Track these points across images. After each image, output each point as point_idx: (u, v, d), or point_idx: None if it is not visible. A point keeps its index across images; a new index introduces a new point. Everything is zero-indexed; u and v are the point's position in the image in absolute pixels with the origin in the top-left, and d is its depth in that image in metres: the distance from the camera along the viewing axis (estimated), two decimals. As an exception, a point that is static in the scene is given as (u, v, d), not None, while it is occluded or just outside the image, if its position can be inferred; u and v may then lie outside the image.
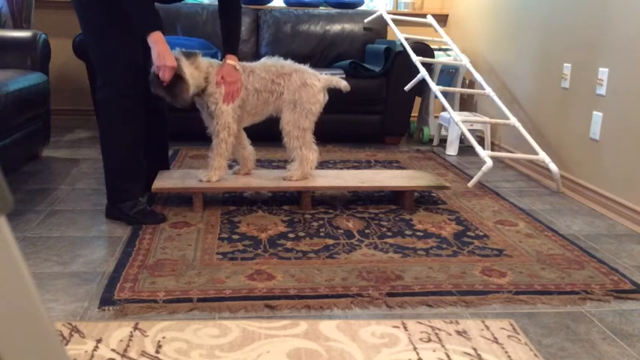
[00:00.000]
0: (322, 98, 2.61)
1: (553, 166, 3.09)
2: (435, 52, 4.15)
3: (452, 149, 3.92)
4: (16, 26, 3.95)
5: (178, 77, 2.36)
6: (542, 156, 3.18)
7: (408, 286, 1.89)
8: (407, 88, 3.75)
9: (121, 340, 1.52)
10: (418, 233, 2.38)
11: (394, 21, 4.30)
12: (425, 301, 1.79)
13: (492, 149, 3.94)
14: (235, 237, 2.27)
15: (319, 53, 4.39)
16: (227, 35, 2.54)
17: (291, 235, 2.31)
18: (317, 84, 2.59)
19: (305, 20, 4.43)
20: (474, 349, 1.52)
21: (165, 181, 2.58)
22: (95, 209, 2.57)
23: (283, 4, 4.70)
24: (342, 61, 4.18)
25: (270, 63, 2.60)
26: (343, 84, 2.67)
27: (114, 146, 2.41)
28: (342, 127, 3.99)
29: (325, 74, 2.68)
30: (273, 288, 1.84)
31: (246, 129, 2.72)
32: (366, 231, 2.38)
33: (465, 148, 3.97)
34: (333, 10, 4.57)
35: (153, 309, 1.70)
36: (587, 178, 2.94)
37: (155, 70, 2.31)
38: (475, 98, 4.37)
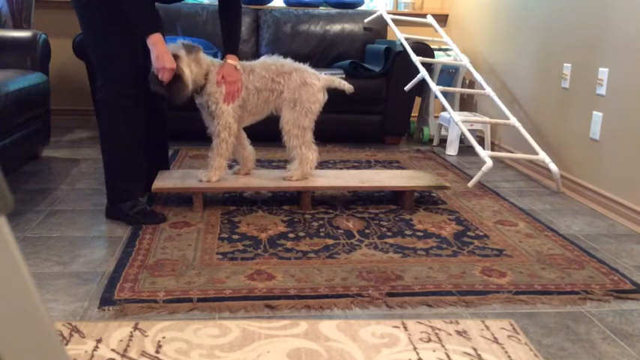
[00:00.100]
0: (322, 97, 2.61)
1: (553, 166, 3.09)
2: (435, 52, 4.15)
3: (452, 149, 3.92)
4: (16, 26, 3.95)
5: (177, 76, 2.36)
6: (542, 156, 3.18)
7: (408, 286, 1.89)
8: (407, 88, 3.75)
9: (121, 340, 1.52)
10: (418, 233, 2.38)
11: (394, 21, 4.30)
12: (425, 301, 1.79)
13: (492, 149, 3.94)
14: (235, 237, 2.27)
15: (319, 53, 4.39)
16: (227, 35, 2.54)
17: (291, 235, 2.31)
18: (317, 83, 2.59)
19: (305, 20, 4.43)
20: (474, 349, 1.52)
21: (165, 181, 2.58)
22: (95, 209, 2.57)
23: (283, 4, 4.70)
24: (342, 61, 4.18)
25: (270, 62, 2.60)
26: (347, 86, 2.67)
27: (114, 146, 2.41)
28: (342, 127, 3.99)
29: (325, 74, 2.68)
30: (273, 288, 1.84)
31: (246, 129, 2.72)
32: (366, 231, 2.38)
33: (465, 148, 3.97)
34: (333, 10, 4.57)
35: (153, 309, 1.70)
36: (587, 178, 2.94)
37: (154, 70, 2.31)
38: (475, 98, 4.37)
